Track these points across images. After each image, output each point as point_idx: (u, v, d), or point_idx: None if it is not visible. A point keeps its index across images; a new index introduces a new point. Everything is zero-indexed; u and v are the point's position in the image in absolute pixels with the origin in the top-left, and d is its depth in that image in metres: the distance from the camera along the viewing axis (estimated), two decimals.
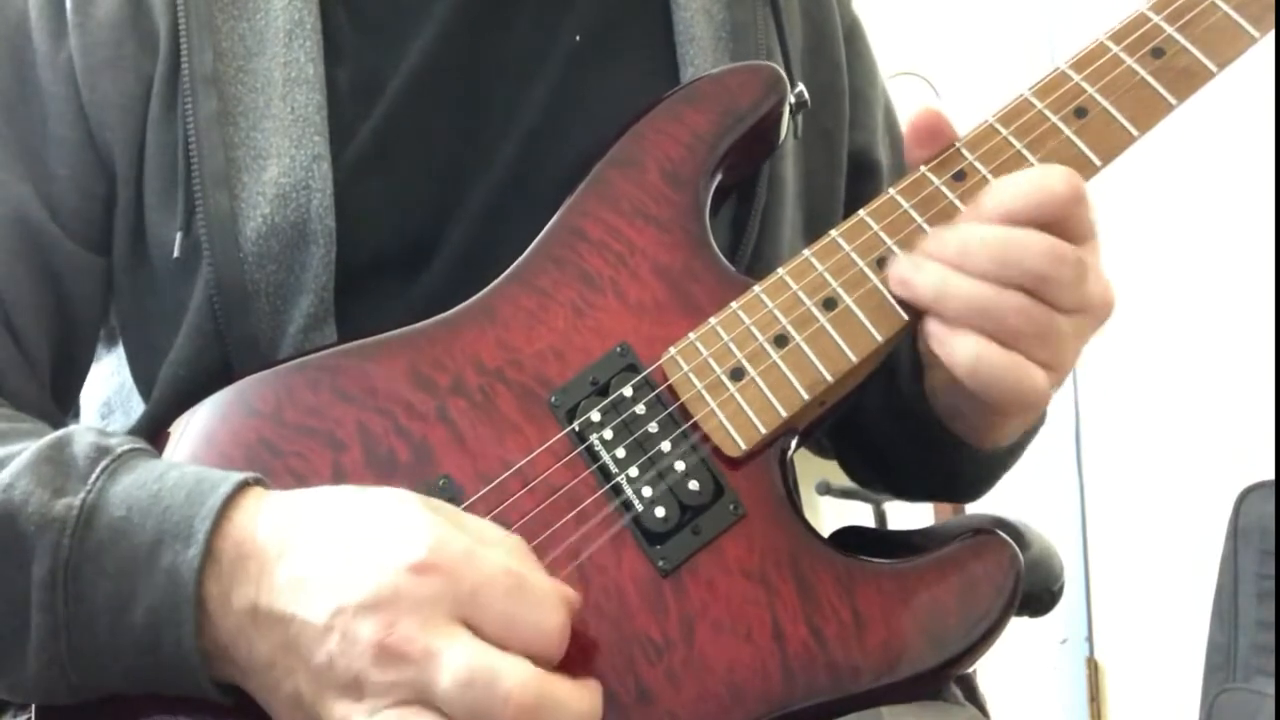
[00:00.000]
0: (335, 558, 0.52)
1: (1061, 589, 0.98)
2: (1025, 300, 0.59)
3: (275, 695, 0.53)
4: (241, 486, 0.55)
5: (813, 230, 0.79)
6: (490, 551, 0.53)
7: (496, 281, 0.68)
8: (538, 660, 0.51)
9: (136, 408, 0.74)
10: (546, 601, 0.52)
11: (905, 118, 0.94)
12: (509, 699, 0.49)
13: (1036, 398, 0.60)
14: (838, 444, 0.90)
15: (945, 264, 0.61)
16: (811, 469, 0.97)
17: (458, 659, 0.49)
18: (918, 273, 0.62)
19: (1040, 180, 0.61)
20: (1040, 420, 0.79)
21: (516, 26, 0.76)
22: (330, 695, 0.51)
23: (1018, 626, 0.71)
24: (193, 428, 0.63)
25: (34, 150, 0.70)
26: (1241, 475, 1.76)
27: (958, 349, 0.60)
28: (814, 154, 0.84)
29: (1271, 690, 1.58)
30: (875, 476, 0.89)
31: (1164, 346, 2.22)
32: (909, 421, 0.74)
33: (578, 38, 0.76)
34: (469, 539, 0.53)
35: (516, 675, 0.49)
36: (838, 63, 0.86)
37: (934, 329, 0.61)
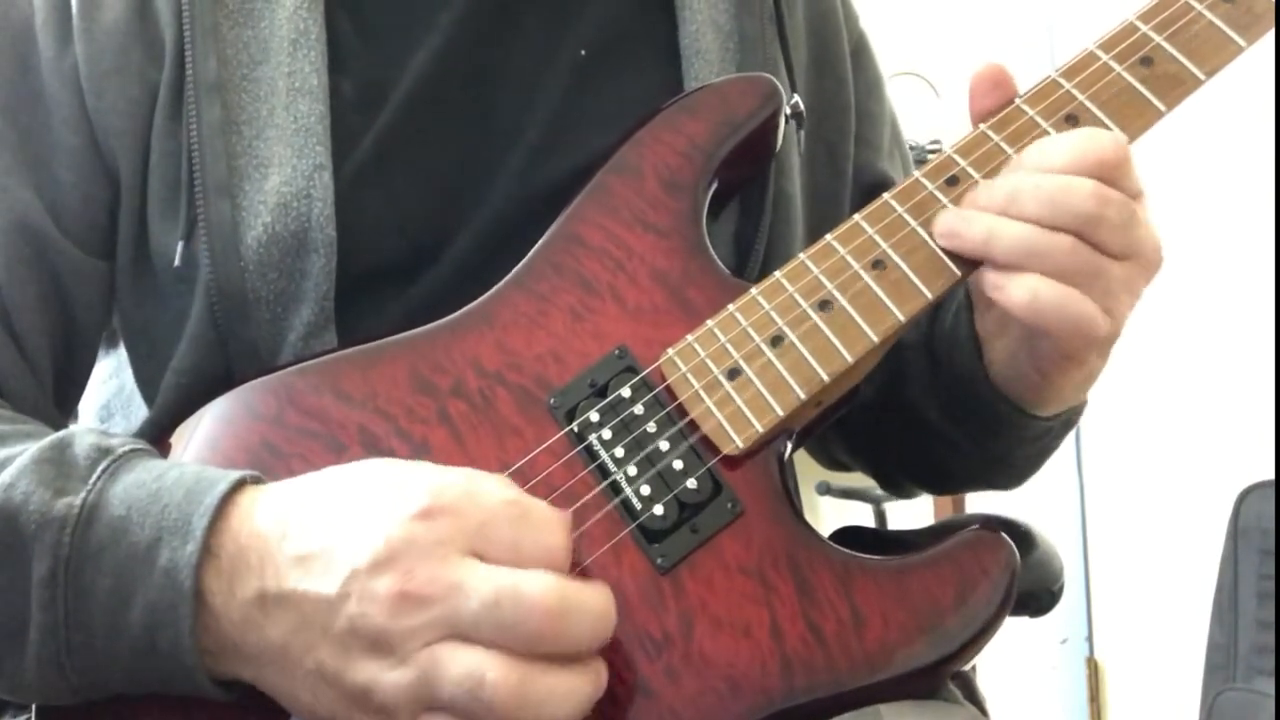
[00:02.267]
0: (337, 528, 0.53)
1: (1061, 589, 0.98)
2: (1074, 241, 0.61)
3: (293, 678, 0.53)
4: (239, 484, 0.56)
5: None
6: (485, 486, 0.55)
7: (496, 287, 0.68)
8: None
9: (137, 411, 0.75)
10: (549, 523, 0.54)
11: (906, 120, 0.95)
12: (536, 607, 0.51)
13: (1095, 332, 0.62)
14: (873, 450, 0.90)
15: (994, 211, 0.63)
16: (812, 469, 0.98)
17: (481, 584, 0.51)
18: (966, 223, 0.64)
19: (1087, 140, 0.63)
20: (1084, 404, 0.80)
21: (521, 38, 0.76)
22: (356, 660, 0.51)
23: (1018, 626, 0.71)
24: (196, 433, 0.64)
25: (38, 156, 0.70)
26: (1241, 475, 1.76)
27: (1015, 287, 0.61)
28: (818, 167, 0.84)
29: (1271, 690, 1.58)
30: (917, 474, 0.89)
31: (1164, 347, 2.22)
32: (965, 404, 0.75)
33: (583, 51, 0.77)
34: (462, 480, 0.55)
35: (539, 584, 0.51)
36: (843, 77, 0.86)
37: (989, 276, 0.63)
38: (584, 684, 0.53)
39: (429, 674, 0.51)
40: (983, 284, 0.63)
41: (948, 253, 0.64)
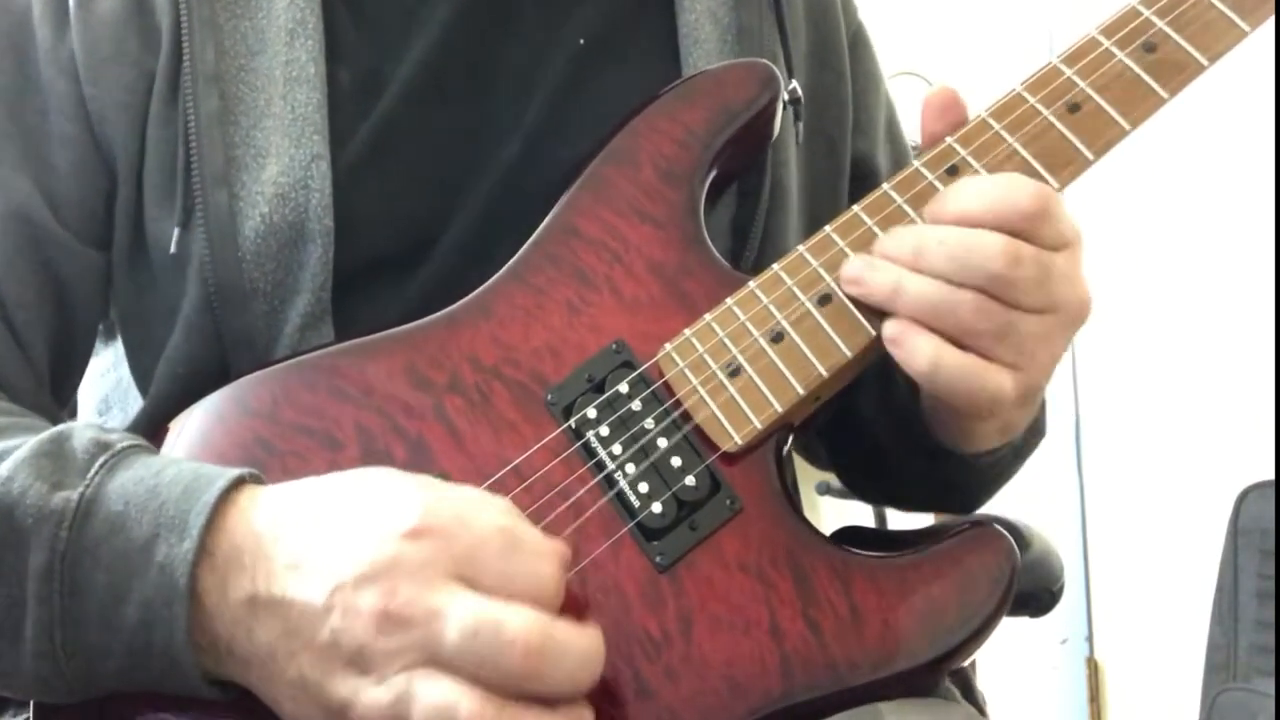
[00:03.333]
0: (328, 537, 0.53)
1: (1061, 589, 0.98)
2: (981, 299, 0.59)
3: (277, 684, 0.53)
4: (237, 482, 0.55)
5: None
6: (481, 511, 0.53)
7: (493, 279, 0.68)
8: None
9: (134, 404, 0.75)
10: (541, 554, 0.53)
11: (905, 120, 0.95)
12: (516, 643, 0.49)
13: (998, 399, 0.60)
14: (836, 454, 0.89)
15: (901, 263, 0.61)
16: (812, 469, 0.97)
17: (462, 613, 0.50)
18: (872, 272, 0.62)
19: (1004, 188, 0.61)
20: (1040, 430, 0.79)
21: (520, 28, 0.76)
22: (336, 673, 0.51)
23: (1018, 626, 0.71)
24: (189, 427, 0.64)
25: (35, 145, 0.70)
26: (1241, 475, 1.76)
27: (915, 351, 0.60)
28: (817, 159, 0.84)
29: (1271, 690, 1.58)
30: (874, 485, 0.89)
31: (1164, 347, 2.22)
32: (907, 429, 0.74)
33: (581, 41, 0.76)
34: (459, 502, 0.54)
35: (521, 620, 0.50)
36: (841, 69, 0.86)
37: (891, 331, 0.61)
38: None
39: (404, 699, 0.50)
40: (884, 339, 0.61)
41: None
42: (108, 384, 0.79)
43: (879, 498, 0.90)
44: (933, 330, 0.60)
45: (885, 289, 0.61)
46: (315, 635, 0.51)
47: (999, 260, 0.59)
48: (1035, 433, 0.78)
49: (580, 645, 0.52)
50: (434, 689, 0.49)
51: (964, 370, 0.59)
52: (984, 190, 0.61)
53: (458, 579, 0.51)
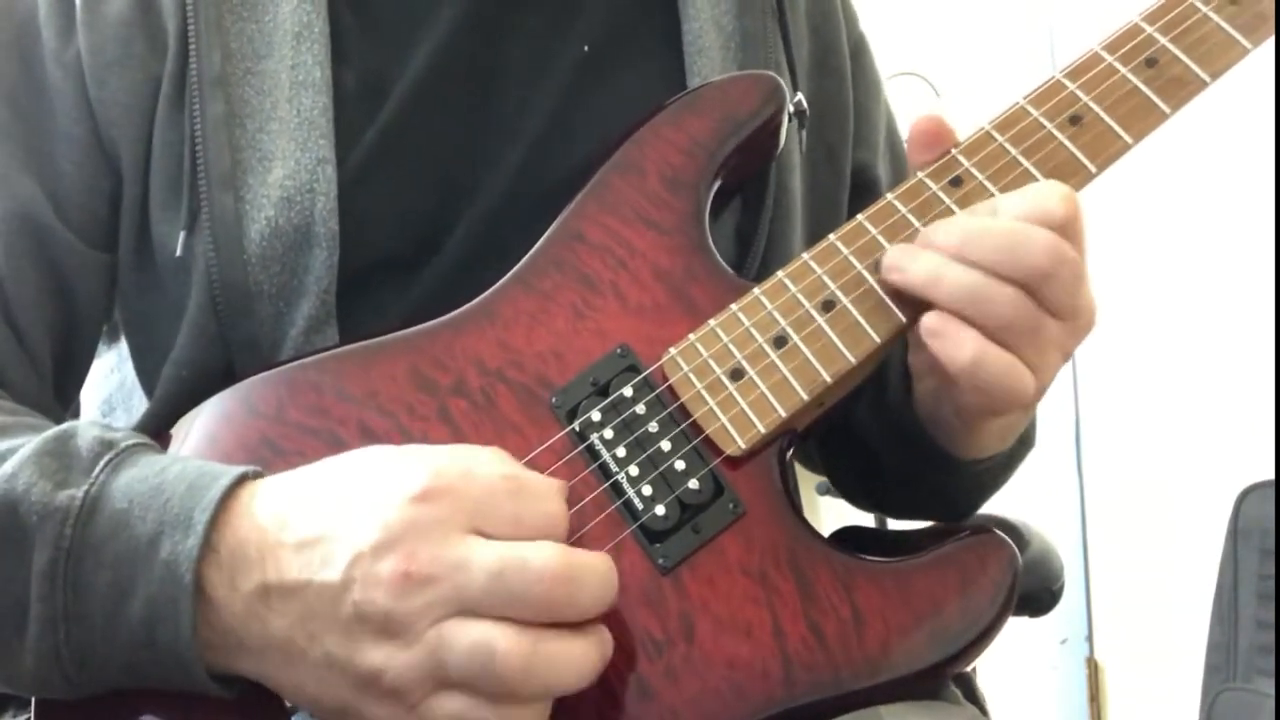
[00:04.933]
0: (336, 515, 0.53)
1: (1061, 589, 0.98)
2: (1019, 295, 0.59)
3: (299, 670, 0.53)
4: (241, 479, 0.55)
5: None
6: (482, 463, 0.55)
7: (499, 284, 0.68)
8: None
9: (138, 405, 0.75)
10: (545, 494, 0.55)
11: (906, 120, 0.95)
12: (544, 575, 0.51)
13: (1026, 400, 0.61)
14: (829, 459, 0.89)
15: (944, 252, 0.61)
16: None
17: (485, 558, 0.51)
18: (912, 260, 0.62)
19: (1044, 190, 0.61)
20: (1030, 441, 0.79)
21: (525, 33, 0.76)
22: (365, 645, 0.51)
23: (1018, 626, 0.71)
24: (195, 429, 0.64)
25: (41, 147, 0.70)
26: (1241, 475, 1.76)
27: (961, 343, 0.59)
28: (819, 168, 0.84)
29: (1271, 690, 1.58)
30: (865, 491, 0.89)
31: (1164, 347, 2.22)
32: (900, 433, 0.74)
33: (585, 47, 0.77)
34: (458, 458, 0.55)
35: (543, 553, 0.52)
36: (843, 78, 0.86)
37: (933, 323, 0.60)
38: (592, 649, 0.53)
39: (438, 652, 0.51)
40: (924, 330, 0.60)
41: None
42: (111, 385, 0.79)
43: (868, 504, 0.90)
44: (969, 323, 0.60)
45: (925, 276, 0.61)
46: (338, 613, 0.52)
47: (1045, 255, 0.59)
48: (1024, 443, 0.78)
49: (600, 566, 0.54)
50: (469, 632, 0.51)
51: (1005, 367, 0.59)
52: (1022, 195, 0.62)
53: (472, 530, 0.52)
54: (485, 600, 0.51)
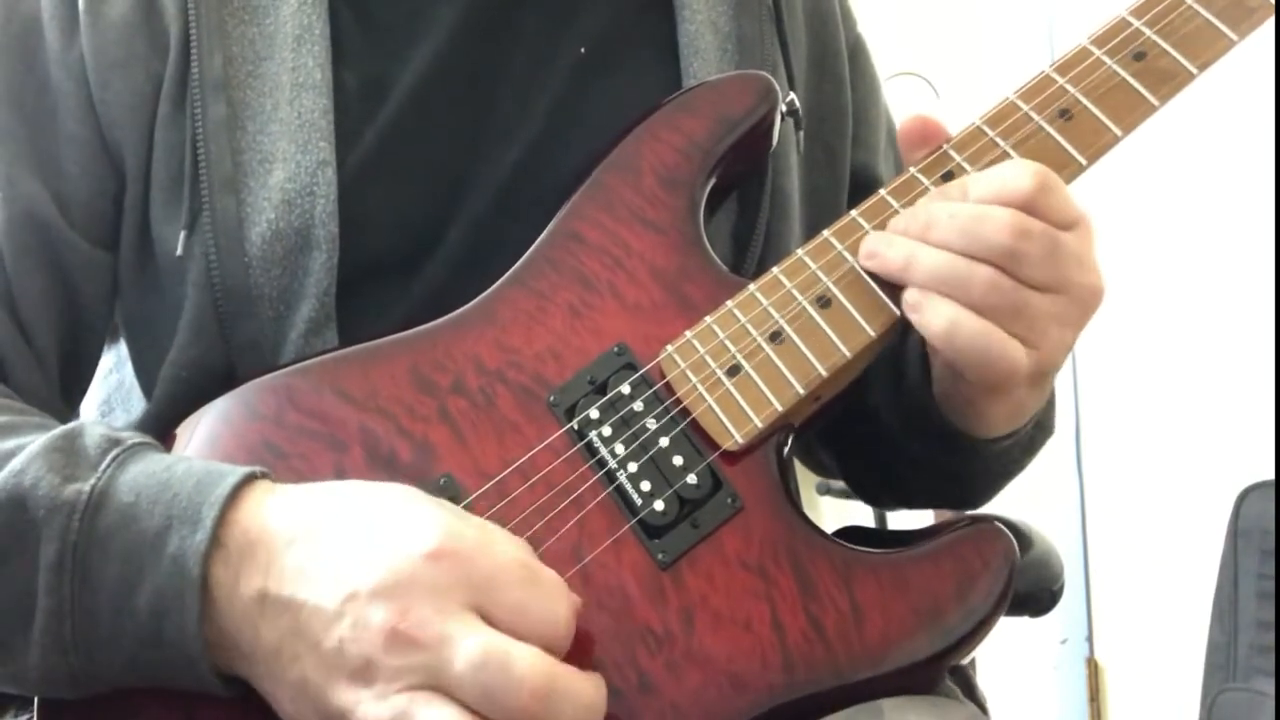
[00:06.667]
0: (347, 545, 0.53)
1: (1061, 589, 0.98)
2: (994, 273, 0.60)
3: (280, 683, 0.53)
4: (249, 478, 0.56)
5: None
6: (501, 542, 0.54)
7: (496, 284, 0.69)
8: (547, 650, 0.52)
9: (136, 406, 0.75)
10: (556, 593, 0.53)
11: (902, 120, 0.95)
12: (523, 681, 0.49)
13: (1014, 371, 0.61)
14: (846, 460, 0.89)
15: (914, 237, 0.63)
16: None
17: (472, 643, 0.50)
18: (887, 246, 0.64)
19: (1007, 170, 0.62)
20: (1048, 427, 0.79)
21: (522, 35, 0.76)
22: (338, 681, 0.51)
23: (1018, 626, 0.71)
24: (198, 431, 0.64)
25: (45, 147, 0.71)
26: (1241, 475, 1.76)
27: (932, 314, 0.61)
28: (817, 169, 0.85)
29: (1271, 690, 1.58)
30: (885, 483, 0.89)
31: (1164, 347, 2.22)
32: (917, 416, 0.74)
33: (583, 49, 0.77)
34: (480, 529, 0.54)
35: (530, 659, 0.50)
36: (841, 79, 0.87)
37: (910, 297, 0.62)
38: None
39: (403, 718, 0.50)
40: (904, 306, 0.63)
41: None
42: (110, 385, 0.79)
43: (879, 491, 0.90)
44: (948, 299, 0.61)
45: (899, 260, 0.63)
46: (323, 639, 0.52)
47: (1006, 232, 0.60)
48: (1042, 429, 0.78)
49: (586, 695, 0.52)
50: (433, 713, 0.50)
51: (981, 334, 0.60)
52: (988, 175, 0.63)
53: (472, 607, 0.51)
54: (460, 686, 0.50)
